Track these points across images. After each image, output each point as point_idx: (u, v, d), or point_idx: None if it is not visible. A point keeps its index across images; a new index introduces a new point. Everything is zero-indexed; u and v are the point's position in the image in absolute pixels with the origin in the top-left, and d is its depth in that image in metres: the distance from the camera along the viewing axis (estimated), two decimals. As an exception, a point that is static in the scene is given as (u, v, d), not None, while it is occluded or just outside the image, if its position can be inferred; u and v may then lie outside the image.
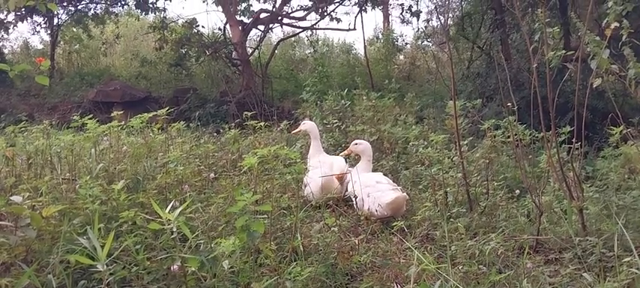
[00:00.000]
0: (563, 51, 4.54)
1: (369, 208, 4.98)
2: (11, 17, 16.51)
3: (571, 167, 4.70)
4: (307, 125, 6.35)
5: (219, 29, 17.28)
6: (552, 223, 4.92)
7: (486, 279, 3.50)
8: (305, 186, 5.48)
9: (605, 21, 4.41)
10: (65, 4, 16.86)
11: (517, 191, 5.86)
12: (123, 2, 17.79)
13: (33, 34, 22.61)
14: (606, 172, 6.58)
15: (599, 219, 4.83)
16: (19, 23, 16.87)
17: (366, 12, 17.24)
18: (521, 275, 3.60)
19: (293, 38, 19.69)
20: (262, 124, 7.28)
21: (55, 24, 17.52)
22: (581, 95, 6.28)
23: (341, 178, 5.58)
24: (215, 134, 9.59)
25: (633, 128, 6.49)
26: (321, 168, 5.63)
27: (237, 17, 16.65)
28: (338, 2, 16.95)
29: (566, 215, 4.79)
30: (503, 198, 5.30)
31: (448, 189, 5.28)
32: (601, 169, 6.87)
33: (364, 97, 8.38)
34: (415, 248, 3.86)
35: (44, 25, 17.74)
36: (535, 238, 4.48)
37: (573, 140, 4.86)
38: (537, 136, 6.02)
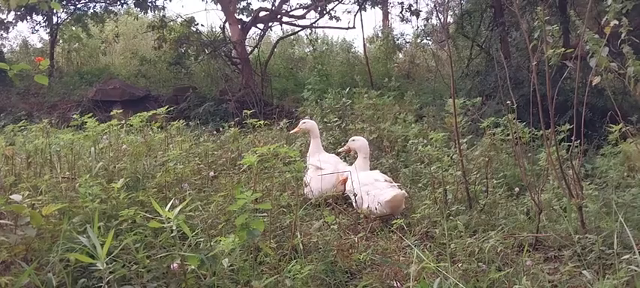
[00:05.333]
0: (563, 49, 4.54)
1: (368, 206, 4.98)
2: (11, 17, 16.50)
3: (570, 165, 4.70)
4: (307, 124, 6.34)
5: (219, 28, 17.28)
6: (552, 220, 4.93)
7: (486, 277, 3.50)
8: (308, 183, 5.46)
9: (604, 19, 4.41)
10: (64, 2, 16.83)
11: (516, 189, 5.87)
12: (122, 1, 17.78)
13: (32, 33, 22.64)
14: (605, 170, 6.59)
15: (598, 216, 4.84)
16: (19, 22, 16.86)
17: (366, 10, 17.23)
18: (521, 273, 3.60)
19: (292, 37, 19.67)
20: (262, 122, 7.29)
21: (54, 23, 17.50)
22: (581, 93, 6.29)
23: (345, 181, 5.56)
24: (215, 133, 9.59)
25: (632, 126, 6.50)
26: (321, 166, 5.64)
27: (237, 16, 16.64)
28: (337, 1, 16.94)
29: (566, 213, 4.79)
30: (503, 196, 5.31)
31: (447, 187, 5.28)
32: (600, 166, 6.87)
33: (364, 96, 8.39)
34: (415, 246, 3.87)
35: (43, 24, 17.73)
36: (534, 236, 4.48)
37: (573, 138, 4.87)
38: (537, 134, 6.02)
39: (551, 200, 5.29)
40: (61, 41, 18.58)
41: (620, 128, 5.98)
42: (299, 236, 4.00)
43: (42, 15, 17.09)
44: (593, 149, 8.48)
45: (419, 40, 19.23)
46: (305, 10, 17.12)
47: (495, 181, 5.63)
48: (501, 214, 5.00)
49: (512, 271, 3.64)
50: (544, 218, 4.76)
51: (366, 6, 17.03)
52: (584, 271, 3.55)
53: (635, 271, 3.28)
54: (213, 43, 15.98)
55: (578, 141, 4.86)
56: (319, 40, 19.78)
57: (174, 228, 3.19)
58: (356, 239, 4.26)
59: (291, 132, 6.81)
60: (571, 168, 4.65)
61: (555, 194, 5.47)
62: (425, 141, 6.60)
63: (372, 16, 35.75)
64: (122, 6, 18.35)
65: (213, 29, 17.55)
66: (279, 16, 17.25)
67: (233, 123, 8.09)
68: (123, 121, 6.10)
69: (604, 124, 6.96)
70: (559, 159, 4.66)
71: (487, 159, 5.71)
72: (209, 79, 16.68)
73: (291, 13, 17.42)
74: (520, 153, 5.20)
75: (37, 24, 17.75)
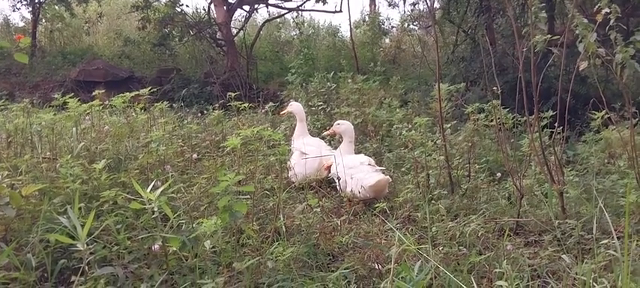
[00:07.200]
0: (549, 36, 4.55)
1: (352, 190, 5.00)
2: (-9, -6, 16.19)
3: (552, 151, 4.74)
4: (294, 107, 6.33)
5: (204, 9, 17.11)
6: (533, 205, 4.98)
7: (466, 260, 3.53)
8: (292, 167, 5.46)
9: (596, 6, 4.40)
10: (47, -19, 16.58)
11: (498, 174, 5.92)
12: (106, -20, 17.53)
13: (13, 11, 22.16)
14: (587, 157, 6.66)
15: (578, 202, 4.90)
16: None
17: (353, -6, 17.13)
18: (501, 257, 3.63)
19: (278, 19, 19.56)
20: (246, 105, 7.26)
21: (36, 1, 17.21)
22: (565, 80, 6.33)
23: (329, 168, 5.57)
24: (199, 115, 9.53)
25: (614, 113, 6.56)
26: (305, 149, 5.63)
27: (222, -3, 16.48)
28: (324, -16, 16.83)
29: (547, 198, 4.85)
30: (485, 181, 5.35)
31: (430, 171, 5.31)
32: (582, 153, 6.94)
33: (349, 80, 8.39)
34: (397, 229, 3.89)
35: (25, 3, 17.44)
36: (515, 221, 4.52)
37: (555, 125, 4.90)
38: (520, 121, 6.07)
39: (533, 186, 5.34)
40: (43, 20, 18.29)
41: (603, 115, 6.04)
42: (282, 219, 4.00)
43: (23, -7, 16.80)
44: (575, 136, 8.58)
45: (405, 26, 19.21)
46: (292, -7, 17.02)
47: (478, 166, 5.66)
48: (483, 199, 5.04)
49: (493, 254, 3.67)
50: (525, 203, 4.80)
51: (353, -10, 16.93)
52: (563, 256, 3.60)
53: (613, 255, 3.33)
54: (198, 25, 15.82)
55: (561, 128, 4.90)
56: (306, 24, 19.69)
57: (155, 209, 3.17)
58: (339, 222, 4.28)
59: (279, 114, 6.79)
60: (553, 154, 4.69)
61: (537, 180, 5.52)
62: (409, 126, 6.63)
63: (359, 1, 35.63)
64: (106, -15, 18.10)
65: (198, 10, 17.37)
66: (265, -2, 17.12)
67: (217, 105, 8.05)
68: (105, 102, 6.02)
69: (586, 111, 7.01)
70: (541, 145, 4.70)
71: (470, 144, 5.75)
72: (194, 61, 16.55)
73: (277, -4, 17.31)
74: (503, 139, 5.23)
75: (18, 2, 17.47)
